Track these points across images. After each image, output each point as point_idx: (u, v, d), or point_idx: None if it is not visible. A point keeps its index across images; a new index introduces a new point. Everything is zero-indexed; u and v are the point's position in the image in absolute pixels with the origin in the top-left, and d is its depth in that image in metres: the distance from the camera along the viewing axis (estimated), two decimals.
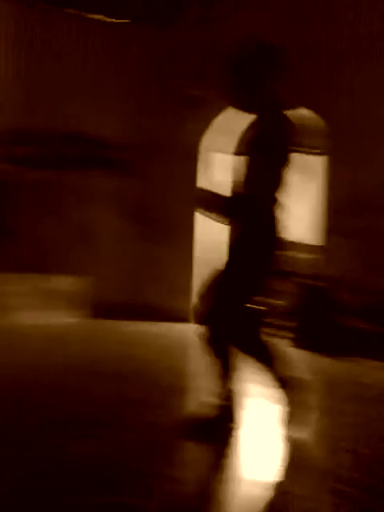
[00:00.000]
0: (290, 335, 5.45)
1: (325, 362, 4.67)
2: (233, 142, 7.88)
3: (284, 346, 5.20)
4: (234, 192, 2.59)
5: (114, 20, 8.39)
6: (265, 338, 2.65)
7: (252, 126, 2.61)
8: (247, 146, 2.56)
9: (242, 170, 2.54)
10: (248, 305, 2.55)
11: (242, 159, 2.56)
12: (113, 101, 7.91)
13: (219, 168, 7.76)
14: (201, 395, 3.55)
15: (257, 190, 2.50)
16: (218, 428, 2.55)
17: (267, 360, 2.54)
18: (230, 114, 7.49)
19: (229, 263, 2.57)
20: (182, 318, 7.28)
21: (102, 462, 2.12)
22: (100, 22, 8.32)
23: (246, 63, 2.52)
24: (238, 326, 2.55)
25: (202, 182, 7.60)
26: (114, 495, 1.80)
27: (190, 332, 6.60)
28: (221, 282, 2.55)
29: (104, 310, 7.20)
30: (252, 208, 2.50)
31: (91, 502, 1.74)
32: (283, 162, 2.50)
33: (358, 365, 4.68)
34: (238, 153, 2.65)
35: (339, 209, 6.00)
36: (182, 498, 1.84)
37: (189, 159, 7.61)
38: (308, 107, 6.40)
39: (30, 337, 5.68)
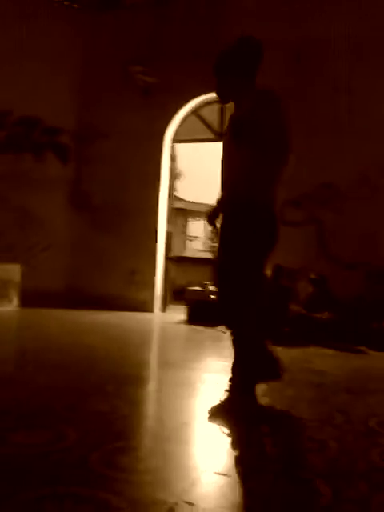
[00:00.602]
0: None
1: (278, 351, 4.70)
2: (196, 131, 7.83)
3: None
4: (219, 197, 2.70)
5: (65, 2, 8.15)
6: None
7: (236, 118, 2.65)
8: (231, 137, 2.61)
9: (225, 160, 2.66)
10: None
11: (224, 150, 2.67)
12: (61, 85, 7.65)
13: (181, 156, 7.68)
14: (156, 384, 3.50)
15: (243, 181, 2.56)
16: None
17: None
18: (195, 104, 7.43)
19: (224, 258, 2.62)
20: (135, 308, 7.19)
21: (48, 452, 2.01)
22: (50, 5, 8.04)
23: (228, 58, 2.67)
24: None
25: (164, 171, 7.50)
26: (62, 485, 1.73)
27: (142, 320, 6.53)
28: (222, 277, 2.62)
29: (43, 297, 6.97)
30: (240, 202, 2.55)
31: (35, 494, 1.66)
32: (270, 154, 2.53)
33: (311, 352, 4.74)
34: (220, 141, 2.75)
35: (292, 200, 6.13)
36: (133, 487, 1.78)
37: (150, 147, 7.44)
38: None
39: None
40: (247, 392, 2.64)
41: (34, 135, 7.69)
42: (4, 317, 6.20)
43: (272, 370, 2.70)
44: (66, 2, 8.25)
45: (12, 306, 6.78)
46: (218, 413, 2.60)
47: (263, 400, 2.88)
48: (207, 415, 2.59)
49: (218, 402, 2.67)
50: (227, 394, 2.68)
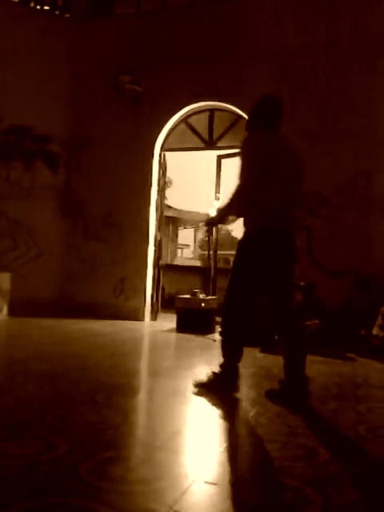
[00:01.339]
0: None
1: (268, 358, 4.72)
2: (186, 139, 7.85)
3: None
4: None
5: (56, 12, 8.20)
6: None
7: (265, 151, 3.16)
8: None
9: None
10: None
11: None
12: (51, 94, 7.66)
13: (171, 165, 7.67)
14: (145, 393, 3.50)
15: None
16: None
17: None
18: (185, 112, 7.47)
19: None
20: (125, 316, 7.18)
21: (38, 462, 2.01)
22: (41, 14, 8.08)
23: (250, 114, 3.30)
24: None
25: (154, 179, 7.51)
26: (52, 496, 1.73)
27: (132, 328, 6.52)
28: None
29: (33, 306, 6.96)
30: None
31: (25, 505, 1.65)
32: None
33: None
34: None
35: None
36: (124, 497, 1.78)
37: (140, 155, 7.45)
38: None
39: None
40: (226, 360, 3.22)
41: (24, 143, 7.69)
42: None
43: (302, 394, 3.13)
44: (56, 12, 8.31)
45: (2, 315, 6.75)
46: (202, 385, 3.21)
47: (253, 409, 2.90)
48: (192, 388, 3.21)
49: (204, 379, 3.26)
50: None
